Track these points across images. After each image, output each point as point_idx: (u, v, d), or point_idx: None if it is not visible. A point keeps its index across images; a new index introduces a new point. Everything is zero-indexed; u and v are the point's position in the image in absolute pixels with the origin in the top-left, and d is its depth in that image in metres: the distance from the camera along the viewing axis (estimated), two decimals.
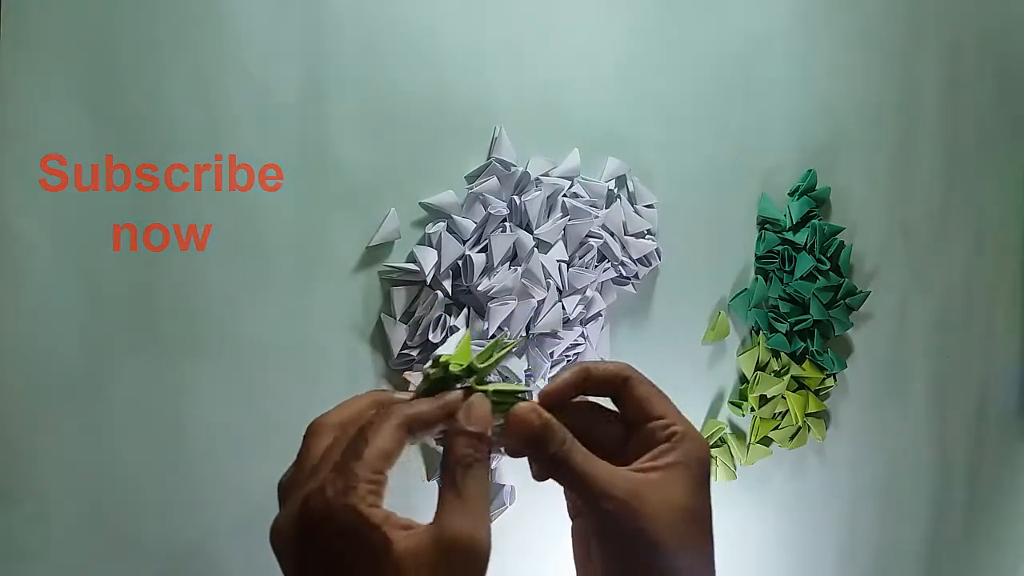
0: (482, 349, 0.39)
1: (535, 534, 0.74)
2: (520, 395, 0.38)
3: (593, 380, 0.40)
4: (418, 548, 0.32)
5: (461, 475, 0.34)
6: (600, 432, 0.40)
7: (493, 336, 0.66)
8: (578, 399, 0.40)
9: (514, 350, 0.41)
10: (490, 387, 0.38)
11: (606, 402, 0.41)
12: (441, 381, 0.38)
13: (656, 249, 0.77)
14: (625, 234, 0.74)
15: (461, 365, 0.38)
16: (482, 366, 0.38)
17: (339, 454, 0.33)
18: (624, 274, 0.75)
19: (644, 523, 0.35)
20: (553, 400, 0.39)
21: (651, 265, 0.77)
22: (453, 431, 0.35)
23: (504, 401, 0.38)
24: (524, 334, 0.68)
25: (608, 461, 0.37)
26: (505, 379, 0.67)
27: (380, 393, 0.39)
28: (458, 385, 0.38)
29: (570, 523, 0.43)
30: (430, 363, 0.38)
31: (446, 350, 0.39)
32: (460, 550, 0.32)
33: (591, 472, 0.36)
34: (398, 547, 0.32)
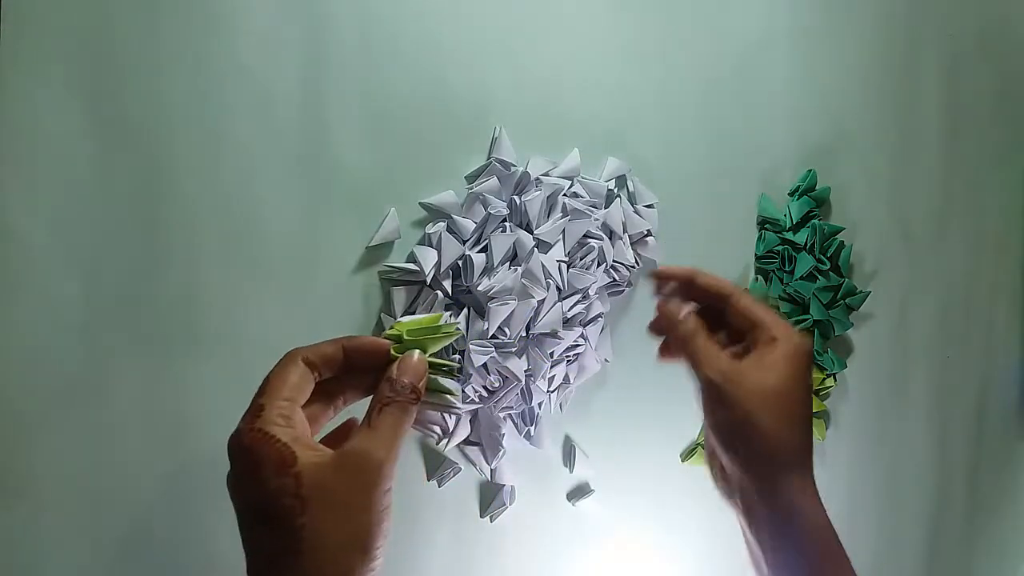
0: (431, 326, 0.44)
1: (535, 534, 0.74)
2: (447, 368, 0.43)
3: (699, 286, 0.49)
4: (320, 461, 0.36)
5: (376, 411, 0.39)
6: (719, 321, 0.49)
7: (493, 336, 0.66)
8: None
9: (453, 340, 0.45)
10: (428, 355, 0.43)
11: None
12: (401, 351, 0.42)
13: (651, 235, 0.77)
14: (624, 233, 0.74)
15: (399, 337, 0.43)
16: (408, 338, 0.42)
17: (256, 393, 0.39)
18: (617, 280, 0.75)
19: (738, 399, 0.43)
20: (667, 277, 0.51)
21: (642, 266, 0.77)
22: (383, 379, 0.40)
23: (442, 365, 0.43)
24: (524, 334, 0.68)
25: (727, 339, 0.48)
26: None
27: (349, 336, 0.44)
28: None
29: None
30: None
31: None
32: (357, 465, 0.36)
33: (704, 353, 0.46)
34: (302, 460, 0.36)
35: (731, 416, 0.44)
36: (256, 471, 0.36)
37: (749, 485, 0.45)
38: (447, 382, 0.43)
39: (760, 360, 0.44)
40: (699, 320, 0.49)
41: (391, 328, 0.44)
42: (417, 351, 0.42)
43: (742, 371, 0.44)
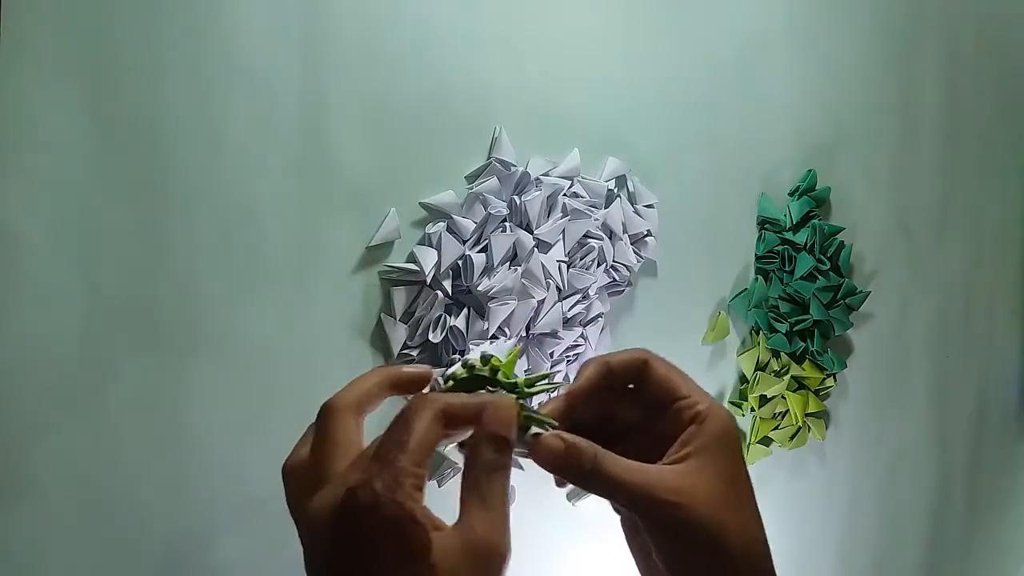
0: (529, 375, 0.39)
1: (535, 534, 0.74)
2: (538, 418, 0.38)
3: (615, 372, 0.41)
4: (448, 549, 0.32)
5: (486, 481, 0.35)
6: (623, 416, 0.41)
7: (494, 337, 0.66)
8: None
9: (551, 391, 0.41)
10: (515, 397, 0.37)
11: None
12: (471, 381, 0.38)
13: (651, 235, 0.77)
14: (624, 233, 0.74)
15: (507, 377, 0.37)
16: (528, 389, 0.38)
17: (382, 444, 0.33)
18: (617, 280, 0.75)
19: (688, 514, 0.36)
20: (580, 401, 0.40)
21: (644, 260, 0.77)
22: (479, 433, 0.35)
23: (527, 414, 0.37)
24: (524, 334, 0.68)
25: (635, 441, 0.40)
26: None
27: (385, 369, 0.40)
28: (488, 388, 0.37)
29: (571, 526, 0.44)
30: (469, 360, 0.38)
31: (484, 353, 0.39)
32: (485, 556, 0.33)
33: (627, 480, 0.37)
34: (436, 546, 0.32)
35: (695, 534, 0.36)
36: (391, 548, 0.31)
37: None
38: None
39: (703, 455, 0.37)
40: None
41: (485, 360, 0.37)
42: (506, 396, 0.36)
43: (690, 478, 0.37)
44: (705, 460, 0.37)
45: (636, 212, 0.76)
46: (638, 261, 0.76)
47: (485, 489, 0.34)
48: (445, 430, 0.35)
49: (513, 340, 0.66)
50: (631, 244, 0.75)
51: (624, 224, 0.74)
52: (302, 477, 0.36)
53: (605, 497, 0.39)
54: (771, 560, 0.38)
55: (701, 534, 0.36)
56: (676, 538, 0.37)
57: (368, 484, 0.31)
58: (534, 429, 0.38)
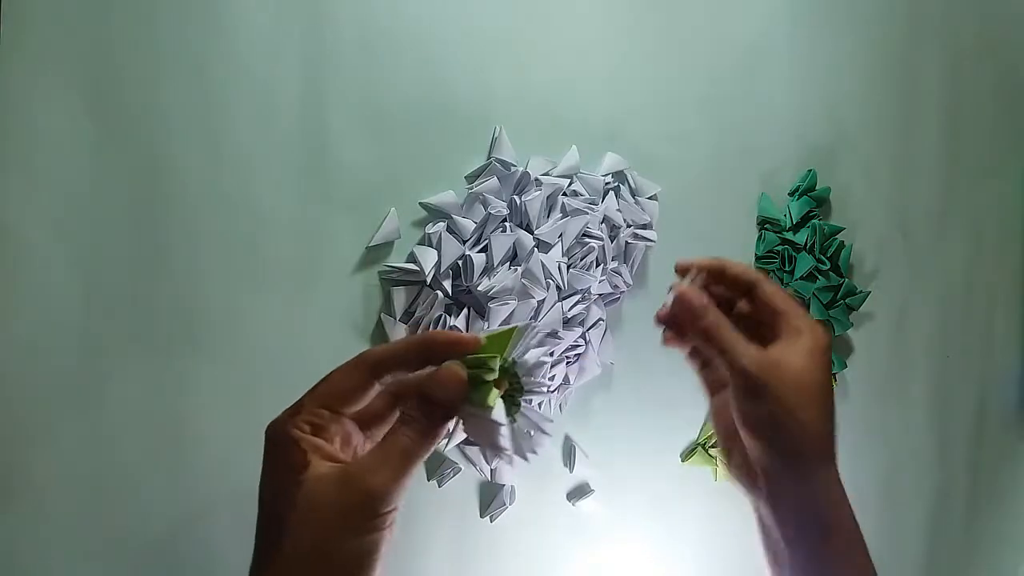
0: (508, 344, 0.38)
1: (535, 534, 0.74)
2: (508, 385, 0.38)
3: (728, 275, 0.48)
4: (325, 477, 0.35)
5: (393, 431, 0.37)
6: (735, 319, 0.47)
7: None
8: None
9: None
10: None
11: None
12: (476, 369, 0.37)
13: (651, 228, 0.77)
14: (624, 225, 0.74)
15: (497, 353, 0.37)
16: (486, 343, 0.37)
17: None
18: (615, 283, 0.74)
19: (778, 390, 0.43)
20: (694, 267, 0.48)
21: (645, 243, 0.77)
22: (413, 392, 0.38)
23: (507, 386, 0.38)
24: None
25: (752, 326, 0.46)
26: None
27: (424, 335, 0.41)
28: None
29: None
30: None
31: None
32: (354, 491, 0.35)
33: (735, 343, 0.44)
34: (313, 470, 0.35)
35: (771, 407, 0.43)
36: (270, 466, 0.36)
37: (781, 473, 0.45)
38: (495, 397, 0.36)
39: (791, 351, 0.44)
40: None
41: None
42: (451, 362, 0.36)
43: (779, 363, 0.44)
44: (793, 358, 0.44)
45: (636, 202, 0.76)
46: (645, 246, 0.76)
47: (388, 438, 0.36)
48: (372, 378, 0.38)
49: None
50: (633, 235, 0.75)
51: (622, 215, 0.74)
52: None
53: (713, 351, 0.46)
54: (833, 456, 0.47)
55: (772, 402, 0.43)
56: (752, 399, 0.44)
57: (273, 420, 0.38)
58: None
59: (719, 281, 0.48)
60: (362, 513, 0.35)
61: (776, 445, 0.45)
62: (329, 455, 0.36)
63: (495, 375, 0.37)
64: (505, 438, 0.37)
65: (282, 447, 0.36)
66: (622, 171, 0.75)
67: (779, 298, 0.46)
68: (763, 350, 0.45)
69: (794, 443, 0.44)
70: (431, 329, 0.41)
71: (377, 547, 0.35)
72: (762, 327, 0.47)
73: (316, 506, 0.34)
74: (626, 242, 0.75)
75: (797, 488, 0.45)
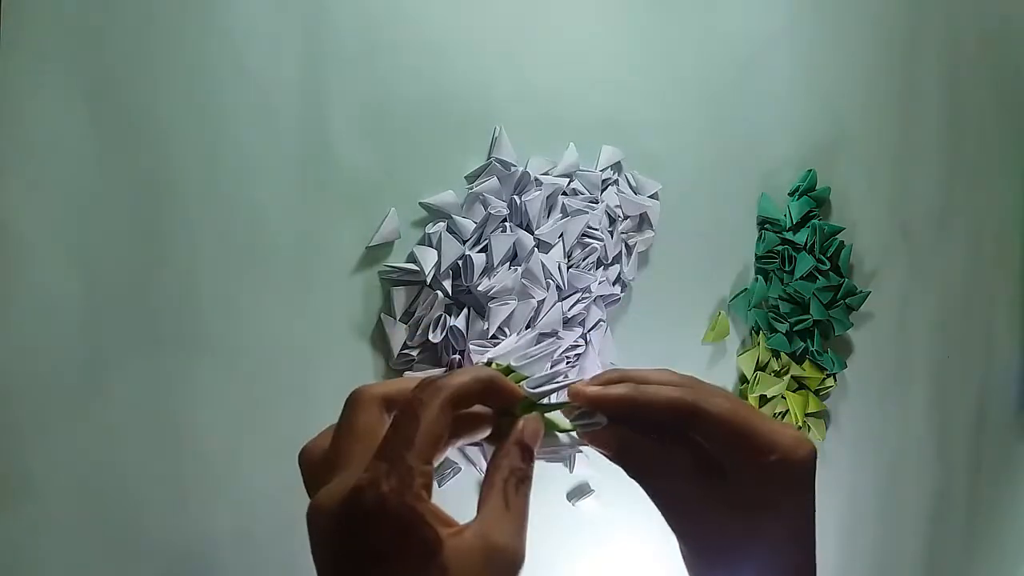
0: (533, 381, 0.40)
1: (535, 534, 0.74)
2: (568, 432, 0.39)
3: (640, 414, 0.38)
4: (463, 551, 0.31)
5: (512, 487, 0.34)
6: (676, 446, 0.39)
7: (493, 336, 0.66)
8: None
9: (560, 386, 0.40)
10: (542, 406, 0.38)
11: None
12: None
13: (651, 223, 0.77)
14: (623, 218, 0.74)
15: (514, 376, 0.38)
16: (540, 400, 0.38)
17: (389, 439, 0.32)
18: (615, 283, 0.74)
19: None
20: (600, 407, 0.39)
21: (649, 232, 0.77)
22: (510, 441, 0.36)
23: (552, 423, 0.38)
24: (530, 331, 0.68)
25: (699, 466, 0.38)
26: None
27: (482, 369, 0.38)
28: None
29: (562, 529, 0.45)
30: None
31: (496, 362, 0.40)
32: (502, 562, 0.32)
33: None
34: (447, 547, 0.31)
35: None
36: (399, 551, 0.30)
37: None
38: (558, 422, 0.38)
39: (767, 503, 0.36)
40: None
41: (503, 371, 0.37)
42: (535, 414, 0.36)
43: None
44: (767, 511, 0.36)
45: (633, 190, 0.76)
46: (642, 248, 0.76)
47: (511, 496, 0.34)
48: (454, 413, 0.33)
49: (514, 338, 0.66)
50: (631, 227, 0.75)
51: (621, 209, 0.74)
52: (314, 463, 0.35)
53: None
54: None
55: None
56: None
57: (375, 484, 0.30)
58: (563, 435, 0.39)
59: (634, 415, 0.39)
60: None
61: None
62: (444, 520, 0.32)
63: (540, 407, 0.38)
64: (566, 446, 0.39)
65: (413, 528, 0.30)
66: (619, 163, 0.75)
67: (736, 422, 0.36)
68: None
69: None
70: (488, 368, 0.38)
71: None
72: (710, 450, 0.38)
73: None
74: (626, 243, 0.75)
75: None
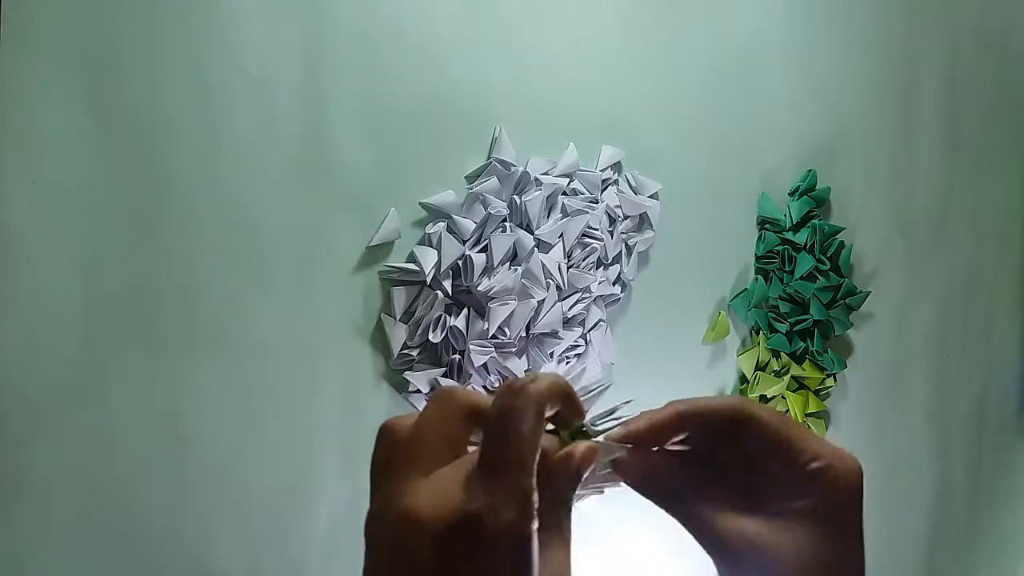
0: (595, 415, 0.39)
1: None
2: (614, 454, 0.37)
3: (697, 420, 0.37)
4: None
5: (566, 517, 0.34)
6: (723, 456, 0.37)
7: (493, 337, 0.66)
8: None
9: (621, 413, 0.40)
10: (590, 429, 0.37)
11: None
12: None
13: (651, 221, 0.77)
14: (623, 217, 0.74)
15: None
16: (595, 428, 0.38)
17: (499, 457, 0.31)
18: (613, 283, 0.74)
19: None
20: (648, 443, 0.38)
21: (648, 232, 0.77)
22: (563, 470, 0.34)
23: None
24: (524, 334, 0.68)
25: (734, 484, 0.36)
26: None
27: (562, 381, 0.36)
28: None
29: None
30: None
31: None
32: None
33: (708, 525, 0.36)
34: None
35: None
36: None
37: None
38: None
39: (794, 514, 0.35)
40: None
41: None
42: (590, 443, 0.36)
43: (768, 536, 0.35)
44: (800, 526, 0.34)
45: (633, 190, 0.76)
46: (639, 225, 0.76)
47: (565, 526, 0.34)
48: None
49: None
50: (631, 227, 0.75)
51: (621, 208, 0.74)
52: (396, 443, 0.33)
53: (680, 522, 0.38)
54: None
55: None
56: None
57: (496, 512, 0.29)
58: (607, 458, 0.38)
59: (689, 430, 0.38)
60: None
61: None
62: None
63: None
64: (607, 483, 0.38)
65: (526, 563, 0.30)
66: (619, 164, 0.75)
67: (783, 432, 0.36)
68: (747, 523, 0.36)
69: None
70: (562, 378, 0.36)
71: None
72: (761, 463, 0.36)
73: None
74: (626, 243, 0.75)
75: None
